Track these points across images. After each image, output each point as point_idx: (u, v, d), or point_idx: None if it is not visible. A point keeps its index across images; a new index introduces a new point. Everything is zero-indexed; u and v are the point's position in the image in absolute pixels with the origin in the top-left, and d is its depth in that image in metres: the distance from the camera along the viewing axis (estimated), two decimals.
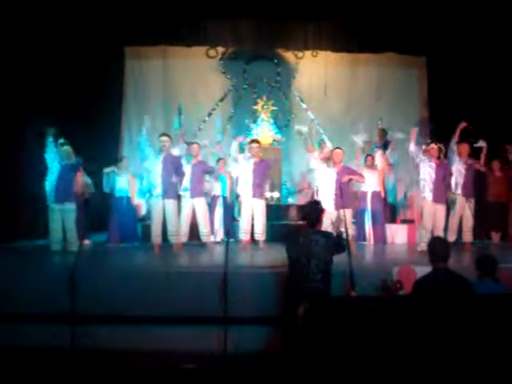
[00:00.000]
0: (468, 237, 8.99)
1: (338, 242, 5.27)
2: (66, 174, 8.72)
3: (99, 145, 11.14)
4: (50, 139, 8.71)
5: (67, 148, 8.81)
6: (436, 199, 8.58)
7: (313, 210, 5.35)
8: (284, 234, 5.42)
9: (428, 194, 8.62)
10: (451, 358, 3.16)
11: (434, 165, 8.63)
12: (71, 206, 8.69)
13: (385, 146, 11.30)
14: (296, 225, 10.21)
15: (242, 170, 9.30)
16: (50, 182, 8.67)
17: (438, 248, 4.58)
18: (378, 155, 10.54)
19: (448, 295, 3.38)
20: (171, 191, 8.67)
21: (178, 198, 9.09)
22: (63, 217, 8.62)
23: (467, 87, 11.46)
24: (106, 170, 9.82)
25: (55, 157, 8.71)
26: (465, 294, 3.46)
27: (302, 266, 5.02)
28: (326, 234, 5.35)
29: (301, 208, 10.43)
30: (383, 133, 11.45)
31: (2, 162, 9.83)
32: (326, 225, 7.93)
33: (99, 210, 10.29)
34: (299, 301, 4.41)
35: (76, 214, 8.80)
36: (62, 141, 8.84)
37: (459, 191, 8.97)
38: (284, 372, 4.56)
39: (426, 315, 3.40)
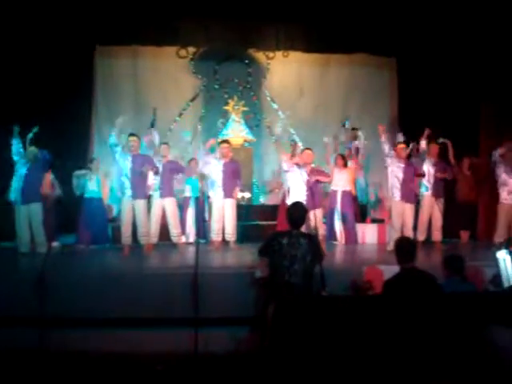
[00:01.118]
0: (437, 236, 9.12)
1: (318, 251, 5.29)
2: (33, 173, 8.64)
3: (69, 145, 11.02)
4: (15, 140, 8.61)
5: (33, 149, 8.72)
6: (404, 199, 8.67)
7: (297, 211, 5.35)
8: (269, 235, 5.41)
9: (396, 194, 8.71)
10: (421, 354, 3.20)
11: (402, 165, 8.72)
12: (38, 207, 8.59)
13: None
14: (266, 225, 10.24)
15: (212, 170, 9.28)
16: (16, 183, 8.56)
17: (404, 248, 4.65)
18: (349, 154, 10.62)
19: (417, 294, 3.42)
20: (141, 191, 8.63)
21: (148, 198, 9.05)
22: (30, 218, 8.53)
23: (436, 88, 11.59)
24: (78, 172, 9.68)
25: (21, 157, 8.62)
26: (433, 292, 3.51)
27: (284, 267, 5.03)
28: (309, 236, 5.37)
29: (274, 208, 10.46)
30: (355, 132, 11.52)
31: None
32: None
33: (70, 211, 10.15)
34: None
35: (44, 215, 8.72)
36: (30, 135, 8.74)
37: (429, 191, 9.07)
38: (255, 371, 4.57)
39: (396, 314, 3.44)
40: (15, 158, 8.64)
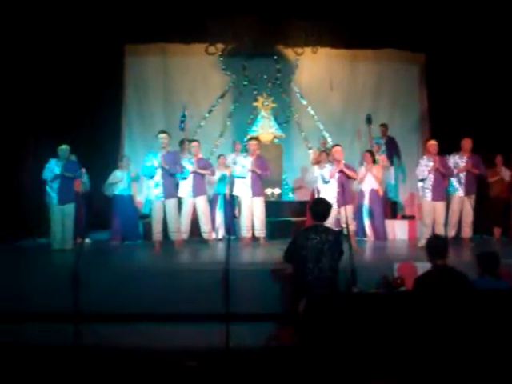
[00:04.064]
0: (467, 232, 8.93)
1: (341, 246, 5.28)
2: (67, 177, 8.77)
3: (101, 143, 11.17)
4: (53, 160, 8.76)
5: (66, 147, 8.82)
6: (435, 197, 8.55)
7: (321, 206, 5.36)
8: (295, 232, 5.42)
9: (428, 194, 8.57)
10: (452, 352, 3.18)
11: (432, 163, 8.55)
12: (72, 207, 8.75)
13: (390, 141, 11.27)
14: (296, 221, 10.22)
15: (240, 168, 9.28)
16: (50, 181, 8.69)
17: (435, 245, 4.61)
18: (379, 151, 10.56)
19: (448, 291, 3.40)
20: (171, 191, 8.62)
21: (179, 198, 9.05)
22: (63, 217, 8.65)
23: (467, 82, 11.44)
24: (112, 180, 9.80)
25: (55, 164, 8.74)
26: (465, 290, 3.48)
27: (312, 263, 5.03)
28: (335, 232, 5.39)
29: (303, 204, 10.45)
30: (386, 128, 11.42)
31: (7, 164, 9.91)
32: (330, 222, 8.01)
33: (102, 209, 10.29)
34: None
35: (76, 213, 8.86)
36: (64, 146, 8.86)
37: (460, 190, 8.92)
38: (287, 366, 4.59)
39: (427, 311, 3.42)
40: (48, 175, 8.73)
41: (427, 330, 3.33)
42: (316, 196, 8.94)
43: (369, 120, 11.58)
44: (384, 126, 11.42)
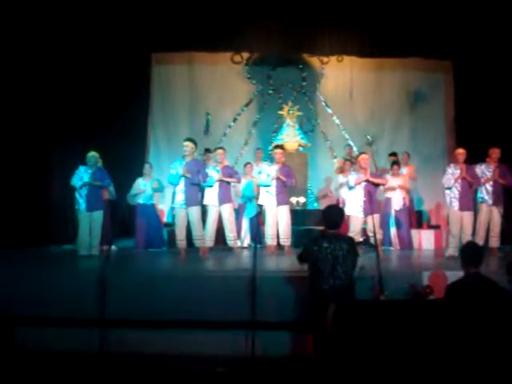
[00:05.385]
0: (494, 242, 8.82)
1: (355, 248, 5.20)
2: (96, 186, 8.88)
3: (126, 151, 11.23)
4: (82, 167, 8.85)
5: (94, 154, 8.89)
6: (463, 207, 8.45)
7: (333, 213, 5.26)
8: (307, 241, 5.32)
9: (455, 204, 8.48)
10: (487, 360, 3.12)
11: (459, 171, 8.46)
12: (100, 214, 8.81)
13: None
14: (321, 230, 10.17)
15: (265, 176, 9.24)
16: (79, 188, 8.76)
17: (471, 253, 4.52)
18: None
19: (482, 299, 3.34)
20: (194, 199, 8.54)
21: (202, 204, 9.03)
22: (91, 223, 8.71)
23: (494, 90, 11.30)
24: (134, 191, 9.89)
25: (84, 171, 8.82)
26: (500, 297, 3.42)
27: (327, 272, 4.95)
28: (348, 239, 5.29)
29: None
30: (396, 157, 10.99)
31: (35, 170, 10.02)
32: (357, 230, 7.96)
33: (126, 217, 10.34)
34: (324, 305, 4.39)
35: (104, 220, 8.92)
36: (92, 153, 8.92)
37: (488, 199, 8.79)
38: (312, 375, 4.55)
39: (460, 319, 3.37)
40: (77, 183, 8.81)
41: (462, 337, 3.27)
42: (344, 206, 8.89)
43: (370, 143, 11.43)
44: (394, 156, 10.80)
